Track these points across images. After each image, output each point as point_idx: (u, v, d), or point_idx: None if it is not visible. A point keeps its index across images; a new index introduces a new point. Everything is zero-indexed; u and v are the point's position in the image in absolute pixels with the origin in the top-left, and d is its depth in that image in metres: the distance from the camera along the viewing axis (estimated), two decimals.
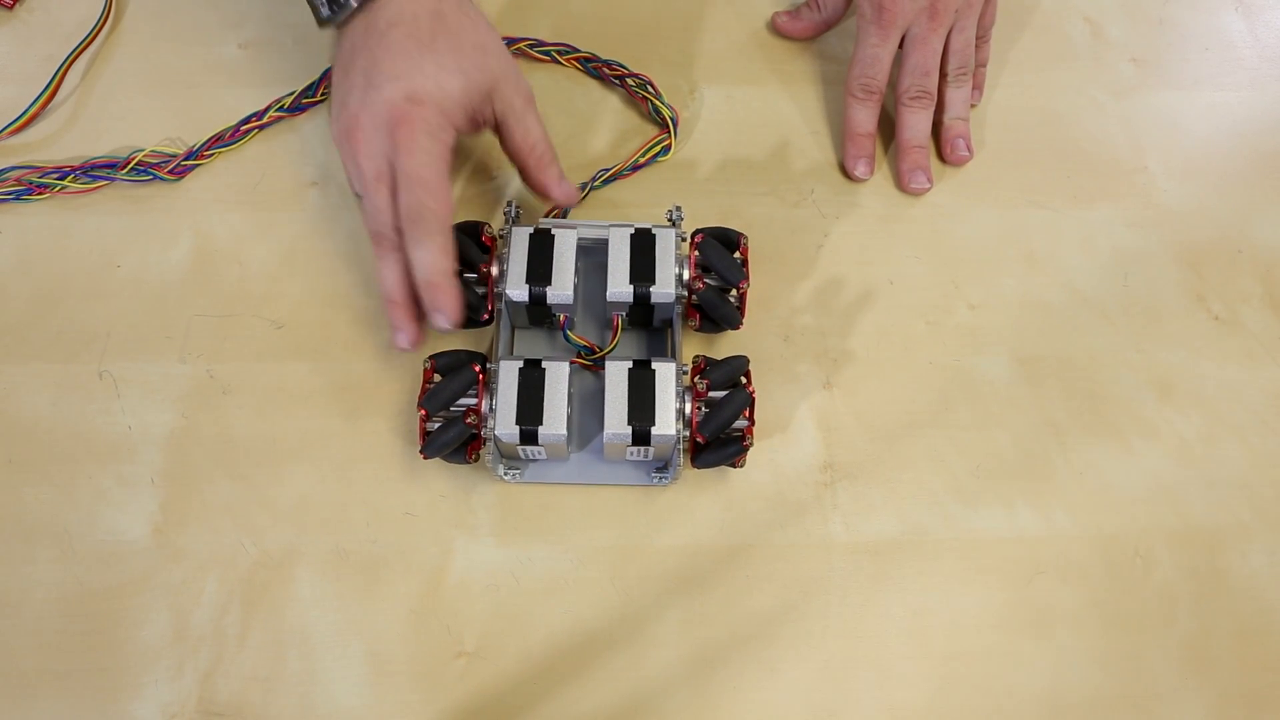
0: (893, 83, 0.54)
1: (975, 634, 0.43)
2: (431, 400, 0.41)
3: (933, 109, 0.53)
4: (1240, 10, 0.61)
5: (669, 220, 0.46)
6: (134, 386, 0.47)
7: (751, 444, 0.42)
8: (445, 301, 0.42)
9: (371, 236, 0.44)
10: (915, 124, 0.53)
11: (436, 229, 0.42)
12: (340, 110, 0.44)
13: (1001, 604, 0.44)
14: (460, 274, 0.45)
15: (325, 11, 0.44)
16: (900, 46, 0.52)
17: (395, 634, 0.42)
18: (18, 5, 0.57)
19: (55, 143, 0.53)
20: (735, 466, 0.43)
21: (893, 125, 0.54)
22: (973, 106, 0.55)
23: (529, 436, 0.41)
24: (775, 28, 0.58)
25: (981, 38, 0.54)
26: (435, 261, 0.42)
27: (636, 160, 0.52)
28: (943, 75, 0.53)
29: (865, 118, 0.53)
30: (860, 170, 0.53)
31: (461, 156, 0.53)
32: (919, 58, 0.52)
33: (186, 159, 0.52)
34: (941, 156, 0.54)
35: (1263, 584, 0.44)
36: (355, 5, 0.44)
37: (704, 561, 0.44)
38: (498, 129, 0.47)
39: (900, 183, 0.53)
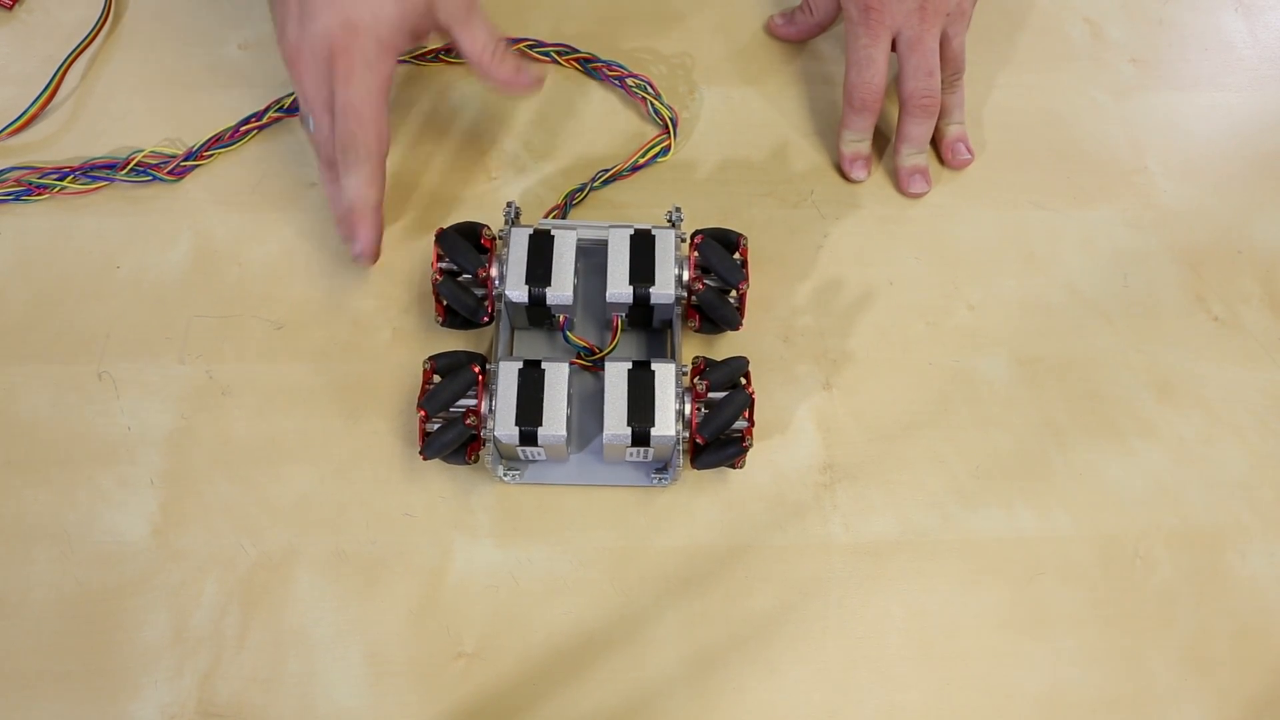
0: (891, 90, 0.53)
1: (975, 634, 0.43)
2: (431, 401, 0.41)
3: (937, 116, 0.52)
4: (1240, 10, 0.61)
5: (669, 221, 0.46)
6: (133, 387, 0.47)
7: (751, 445, 0.42)
8: (363, 232, 0.43)
9: (322, 163, 0.46)
10: (918, 134, 0.52)
11: (365, 158, 0.43)
12: (281, 38, 0.45)
13: (1001, 604, 0.44)
14: (454, 275, 0.45)
15: None
16: (894, 49, 0.51)
17: (395, 635, 0.42)
18: (17, 5, 0.57)
19: (55, 143, 0.53)
20: (735, 467, 0.43)
21: (891, 125, 0.54)
22: None
23: (528, 437, 0.41)
24: (770, 31, 0.58)
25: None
26: (359, 190, 0.43)
27: (636, 161, 0.52)
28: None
29: (862, 127, 0.52)
30: (858, 173, 0.53)
31: (460, 157, 0.53)
32: (919, 59, 0.50)
33: (186, 159, 0.52)
34: (943, 161, 0.54)
35: (1263, 584, 0.44)
36: None
37: (704, 562, 0.44)
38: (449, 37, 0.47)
39: (899, 186, 0.53)
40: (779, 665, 0.42)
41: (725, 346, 0.48)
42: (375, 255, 0.46)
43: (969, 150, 0.53)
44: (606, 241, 0.45)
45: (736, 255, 0.45)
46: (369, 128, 0.43)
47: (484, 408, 0.42)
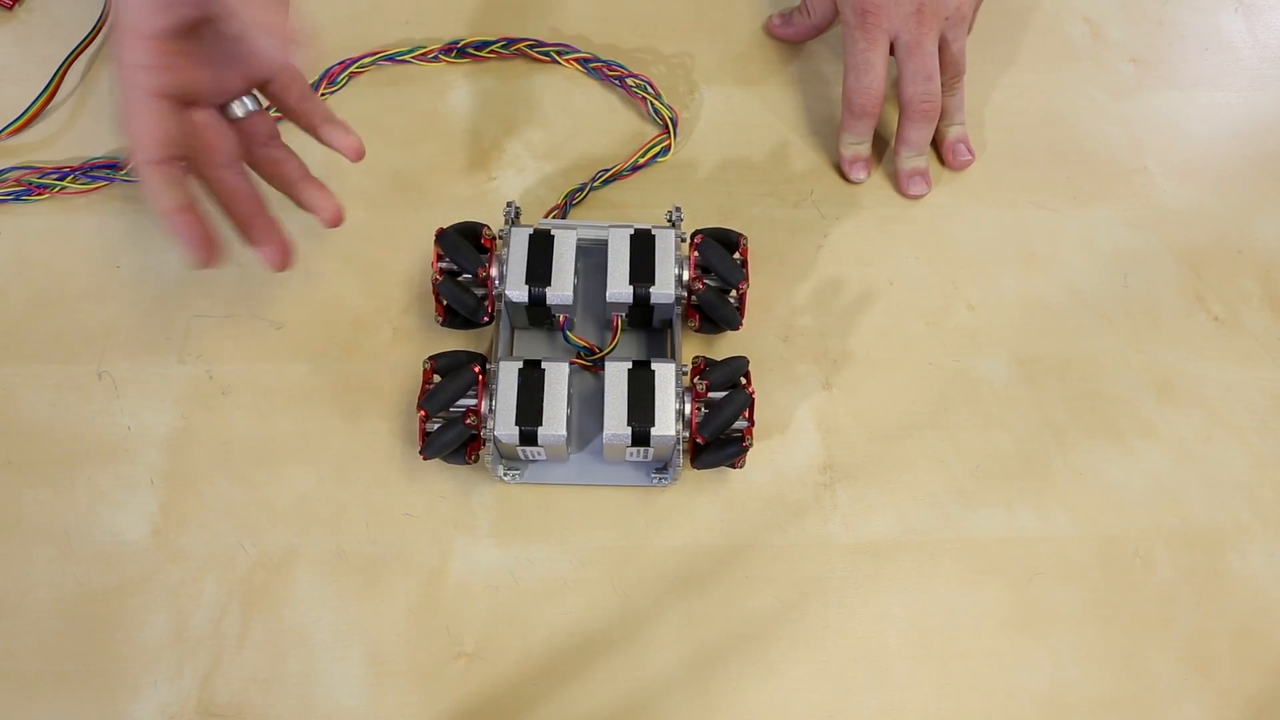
0: (891, 95, 0.53)
1: (975, 634, 0.43)
2: (431, 401, 0.41)
3: (937, 119, 0.51)
4: (1240, 10, 0.61)
5: (669, 221, 0.46)
6: (133, 387, 0.47)
7: (751, 445, 0.42)
8: (185, 236, 0.39)
9: None
10: (918, 138, 0.52)
11: (138, 168, 0.38)
12: None
13: (1001, 604, 0.44)
14: (454, 274, 0.45)
15: None
16: (892, 53, 0.51)
17: (395, 635, 0.42)
18: (17, 5, 0.57)
19: (55, 143, 0.53)
20: (735, 467, 0.43)
21: (891, 126, 0.54)
22: None
23: (529, 437, 0.41)
24: (769, 31, 0.58)
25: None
26: (150, 199, 0.38)
27: (636, 161, 0.52)
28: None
29: (861, 131, 0.52)
30: (858, 175, 0.53)
31: (460, 157, 0.53)
32: (917, 64, 0.50)
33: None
34: (944, 162, 0.54)
35: (1263, 584, 0.44)
36: None
37: (704, 562, 0.44)
38: None
39: (899, 189, 0.53)
40: (779, 665, 0.42)
41: (725, 346, 0.48)
42: (209, 258, 0.40)
43: (970, 151, 0.53)
44: (606, 241, 0.45)
45: (736, 255, 0.45)
46: (128, 131, 0.38)
47: (484, 408, 0.42)
